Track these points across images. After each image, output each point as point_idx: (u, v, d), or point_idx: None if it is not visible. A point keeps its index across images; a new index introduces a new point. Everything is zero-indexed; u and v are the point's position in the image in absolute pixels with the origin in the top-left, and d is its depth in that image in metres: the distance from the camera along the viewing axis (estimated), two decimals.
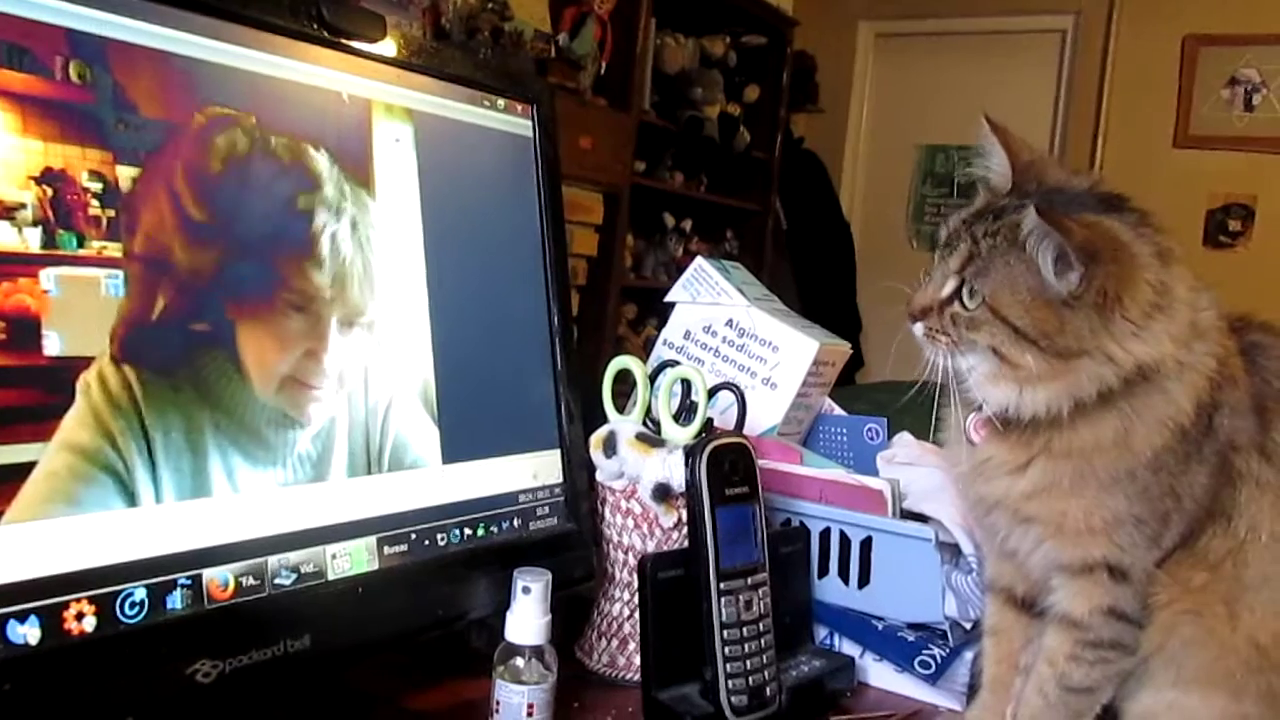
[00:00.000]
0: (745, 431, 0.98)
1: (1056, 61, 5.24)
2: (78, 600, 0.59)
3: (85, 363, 0.61)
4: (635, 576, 0.90)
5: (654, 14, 4.17)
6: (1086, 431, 0.75)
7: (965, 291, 0.76)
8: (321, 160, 0.75)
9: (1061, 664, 0.79)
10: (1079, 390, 0.74)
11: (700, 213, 4.80)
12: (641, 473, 0.91)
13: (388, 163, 0.81)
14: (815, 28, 5.30)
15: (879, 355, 4.18)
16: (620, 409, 0.97)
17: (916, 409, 1.16)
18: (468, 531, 0.84)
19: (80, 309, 0.61)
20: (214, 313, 0.68)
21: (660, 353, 1.22)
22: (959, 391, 0.80)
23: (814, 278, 5.17)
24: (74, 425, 0.60)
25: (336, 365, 0.75)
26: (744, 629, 0.84)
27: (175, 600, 0.64)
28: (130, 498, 0.63)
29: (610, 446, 0.93)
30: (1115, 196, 0.79)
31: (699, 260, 1.24)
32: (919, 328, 0.80)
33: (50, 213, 0.60)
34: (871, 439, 1.19)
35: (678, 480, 0.89)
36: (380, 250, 0.79)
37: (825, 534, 1.01)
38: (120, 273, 0.63)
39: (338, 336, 0.75)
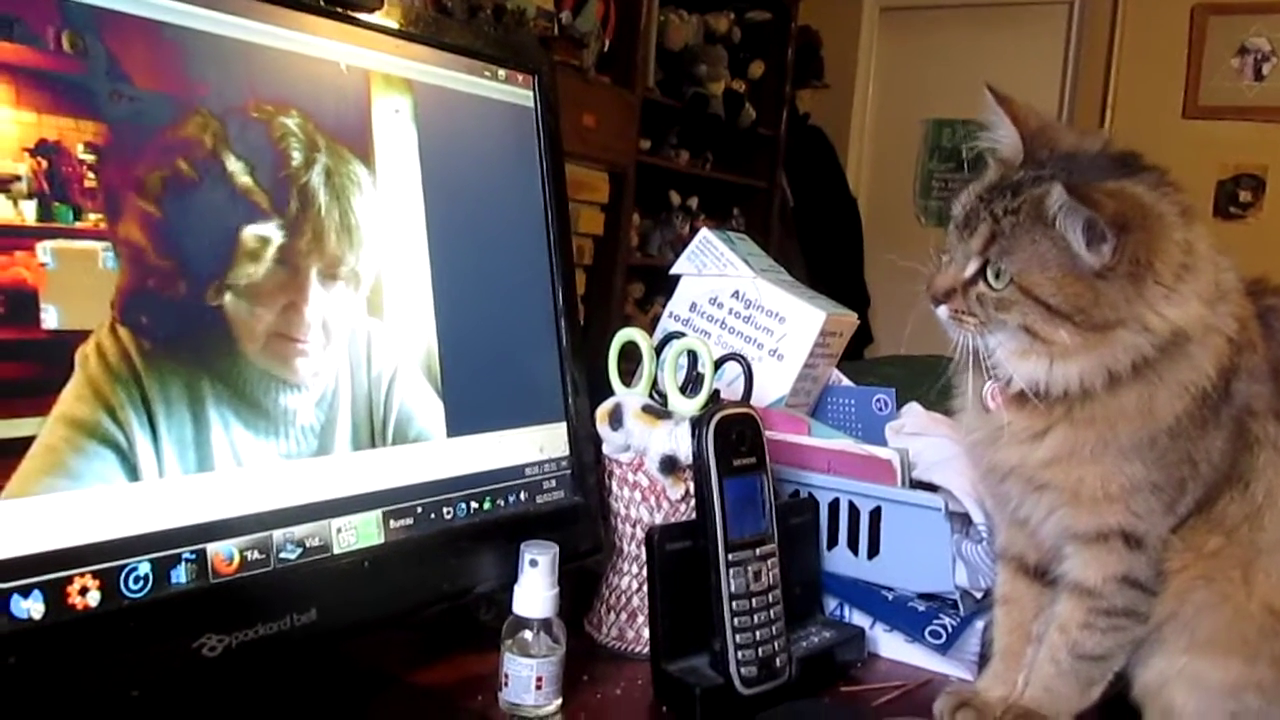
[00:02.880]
0: (752, 403, 0.97)
1: (1064, 33, 5.19)
2: (81, 575, 0.59)
3: (84, 336, 0.61)
4: (643, 549, 0.89)
5: None
6: (1111, 399, 0.74)
7: (990, 271, 0.75)
8: (293, 116, 0.74)
9: (1074, 632, 0.79)
10: (1114, 362, 0.73)
11: (706, 190, 4.78)
12: (648, 445, 0.90)
13: (387, 134, 0.80)
14: (819, 2, 5.25)
15: (887, 331, 4.17)
16: (626, 383, 0.96)
17: (929, 382, 1.15)
18: (474, 505, 0.83)
19: (78, 281, 0.61)
20: (203, 280, 0.67)
21: (666, 325, 1.21)
22: (986, 366, 0.78)
23: (821, 254, 5.15)
24: (73, 398, 0.60)
25: (319, 317, 0.73)
26: (753, 600, 0.83)
27: (180, 574, 0.64)
28: (133, 471, 0.62)
29: (616, 419, 0.92)
30: (1128, 155, 0.78)
31: (704, 232, 1.23)
32: (943, 310, 0.78)
33: (45, 185, 0.60)
34: (880, 410, 1.18)
35: (684, 452, 0.88)
36: (372, 211, 0.78)
37: (834, 505, 1.01)
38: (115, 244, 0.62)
39: (318, 289, 0.74)
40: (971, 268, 0.76)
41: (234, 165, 0.69)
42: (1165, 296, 0.72)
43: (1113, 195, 0.70)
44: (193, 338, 0.66)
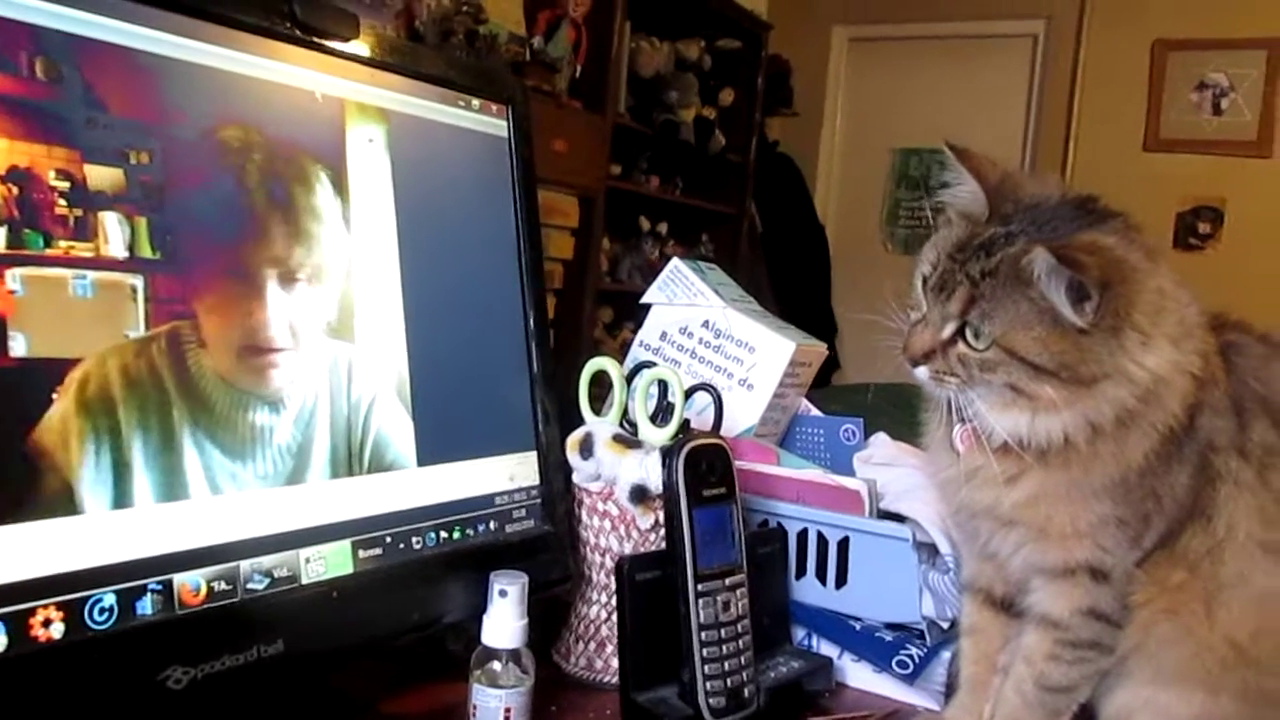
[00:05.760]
0: (722, 432, 0.97)
1: (1028, 66, 5.28)
2: (45, 606, 0.58)
3: (54, 364, 0.60)
4: (612, 579, 0.89)
5: (629, 17, 4.17)
6: (1087, 446, 0.74)
7: (969, 332, 0.75)
8: (266, 143, 0.74)
9: (1040, 663, 0.80)
10: (1098, 415, 0.73)
11: (676, 216, 4.80)
12: (618, 474, 0.91)
13: (361, 163, 0.80)
14: (789, 32, 5.31)
15: (854, 358, 4.20)
16: (597, 411, 0.96)
17: (891, 410, 1.16)
18: (443, 534, 0.83)
19: (47, 310, 0.60)
20: (181, 303, 0.67)
21: (636, 354, 1.21)
22: (966, 416, 0.78)
23: (789, 280, 5.19)
24: (45, 428, 0.59)
25: (285, 320, 0.73)
26: (722, 630, 0.83)
27: (145, 606, 0.63)
28: (103, 501, 0.62)
29: (587, 448, 0.92)
30: (1088, 199, 0.78)
31: (675, 261, 1.24)
32: (922, 371, 0.78)
33: (16, 211, 0.59)
34: (848, 439, 1.19)
35: (655, 481, 0.88)
36: (345, 238, 0.79)
37: (803, 534, 1.01)
38: (89, 273, 0.62)
39: (279, 292, 0.73)
40: (949, 329, 0.76)
41: (208, 190, 0.69)
42: (1142, 344, 0.72)
43: (1092, 252, 0.70)
44: (168, 364, 0.66)
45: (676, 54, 4.61)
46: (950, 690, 0.92)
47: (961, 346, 0.75)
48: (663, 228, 4.73)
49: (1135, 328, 0.72)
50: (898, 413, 1.13)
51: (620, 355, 1.07)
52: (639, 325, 1.24)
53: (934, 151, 5.43)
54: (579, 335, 4.02)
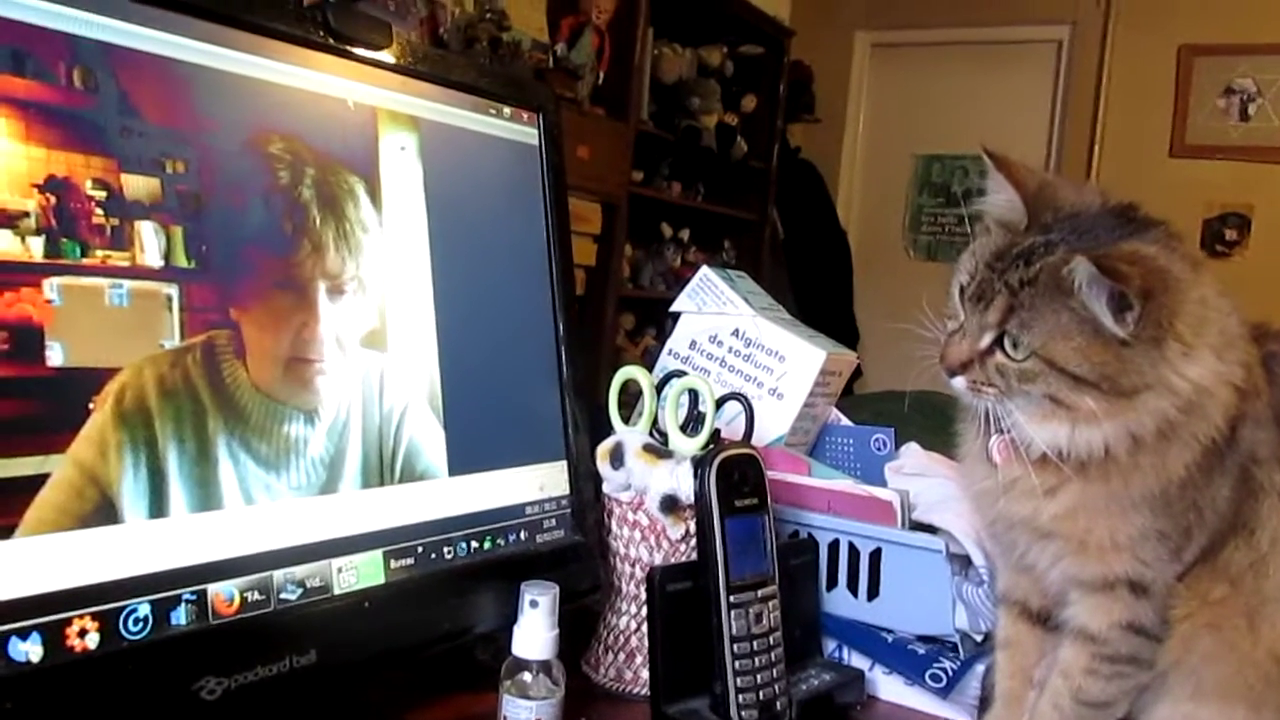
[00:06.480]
0: (753, 442, 0.96)
1: (1053, 72, 5.25)
2: (80, 616, 0.58)
3: (91, 374, 0.60)
4: (642, 589, 0.88)
5: (651, 24, 4.17)
6: (1128, 458, 0.73)
7: (1008, 342, 0.74)
8: (301, 151, 0.74)
9: (1077, 678, 0.78)
10: (1139, 427, 0.72)
11: (698, 222, 4.80)
12: (649, 484, 0.90)
13: (394, 170, 0.80)
14: (812, 38, 5.31)
15: (877, 365, 4.18)
16: (625, 420, 0.96)
17: (920, 419, 1.15)
18: (474, 544, 0.83)
19: (84, 319, 0.60)
20: (217, 313, 0.67)
21: (665, 363, 1.20)
22: (1004, 427, 0.77)
23: (811, 287, 5.17)
24: (82, 438, 0.59)
25: (332, 331, 0.73)
26: (754, 642, 0.83)
27: (179, 616, 0.63)
28: (137, 512, 0.61)
29: (617, 457, 0.91)
30: (1128, 208, 0.77)
31: (705, 270, 1.23)
32: (960, 381, 0.77)
33: (53, 221, 0.59)
34: (879, 449, 1.18)
35: (686, 491, 0.88)
36: (379, 245, 0.78)
37: (834, 545, 1.00)
38: (124, 283, 0.62)
39: (327, 304, 0.73)
40: (987, 339, 0.75)
41: (243, 198, 0.69)
42: (1185, 354, 0.71)
43: (1134, 263, 0.69)
44: (205, 376, 0.66)
45: (699, 60, 4.61)
46: (984, 704, 0.91)
47: (1000, 357, 0.74)
48: (685, 234, 4.73)
49: (1178, 338, 0.71)
50: (927, 421, 1.12)
51: (642, 362, 1.06)
52: (661, 332, 1.24)
53: (957, 158, 5.44)
54: (601, 341, 4.01)
